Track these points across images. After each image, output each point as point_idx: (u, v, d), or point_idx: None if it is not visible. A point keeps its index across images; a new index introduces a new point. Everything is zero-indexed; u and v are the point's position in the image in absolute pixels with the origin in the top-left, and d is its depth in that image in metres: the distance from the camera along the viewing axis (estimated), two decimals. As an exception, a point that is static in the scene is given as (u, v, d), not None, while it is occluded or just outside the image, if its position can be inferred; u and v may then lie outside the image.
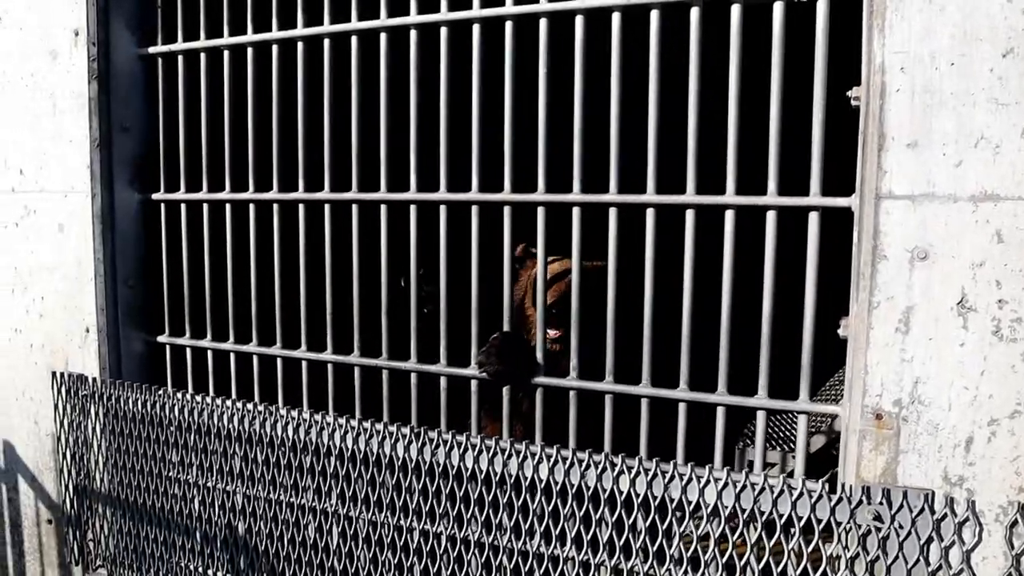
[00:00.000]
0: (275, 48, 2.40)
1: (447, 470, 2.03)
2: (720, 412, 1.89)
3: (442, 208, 2.19)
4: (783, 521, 1.65)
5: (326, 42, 2.31)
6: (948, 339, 1.56)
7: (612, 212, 1.99)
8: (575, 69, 2.00)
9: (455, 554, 2.06)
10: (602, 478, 1.84)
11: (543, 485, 1.91)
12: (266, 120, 2.44)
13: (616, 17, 1.93)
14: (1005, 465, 1.53)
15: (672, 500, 1.77)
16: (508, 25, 2.05)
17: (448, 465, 2.02)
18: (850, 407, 1.68)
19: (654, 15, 1.89)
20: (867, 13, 1.61)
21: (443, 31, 2.13)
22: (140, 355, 2.73)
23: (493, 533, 1.99)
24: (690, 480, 1.75)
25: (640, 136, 1.94)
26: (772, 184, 1.80)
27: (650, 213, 1.94)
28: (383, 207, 2.28)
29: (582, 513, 1.87)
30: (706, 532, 1.75)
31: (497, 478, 1.96)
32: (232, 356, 2.57)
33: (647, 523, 1.81)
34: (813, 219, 1.76)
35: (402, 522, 2.11)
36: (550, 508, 1.91)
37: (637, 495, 1.81)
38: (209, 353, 2.61)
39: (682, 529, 1.80)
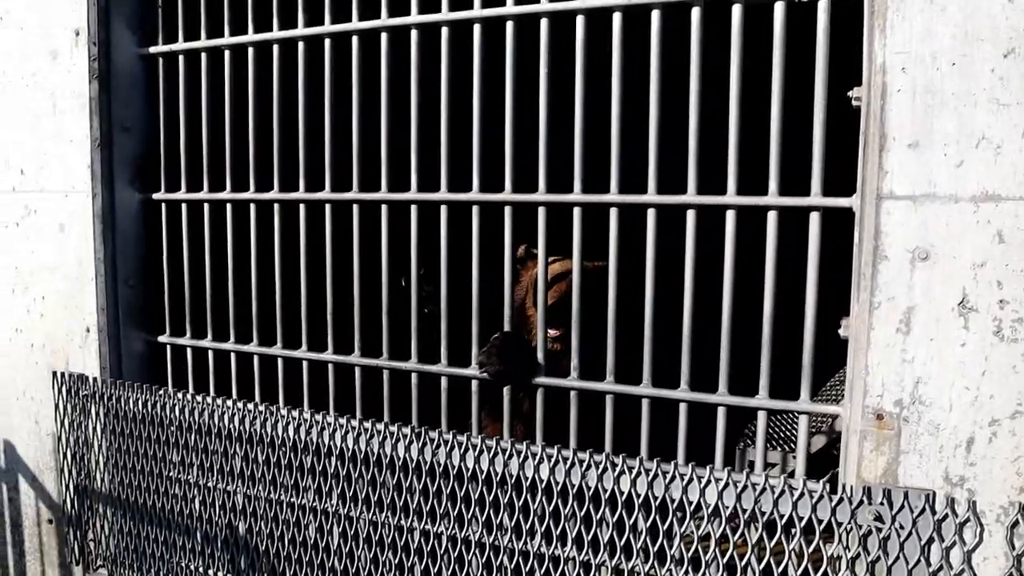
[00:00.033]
0: (276, 48, 2.40)
1: (448, 470, 2.03)
2: (721, 412, 1.89)
3: (443, 208, 2.19)
4: (784, 521, 1.65)
5: (327, 42, 2.30)
6: (949, 339, 1.56)
7: (613, 212, 1.99)
8: (576, 69, 1.99)
9: (456, 554, 2.06)
10: (603, 478, 1.84)
11: (544, 485, 1.91)
12: (267, 120, 2.44)
13: (617, 17, 1.93)
14: (1006, 465, 1.53)
15: (673, 500, 1.77)
16: (509, 25, 2.05)
17: (449, 465, 2.02)
18: (851, 407, 1.68)
19: (655, 15, 1.89)
20: (868, 13, 1.61)
21: (444, 31, 2.13)
22: (141, 355, 2.73)
23: (494, 533, 1.99)
24: (691, 480, 1.75)
25: (641, 136, 1.94)
26: (773, 184, 1.80)
27: (651, 213, 1.94)
28: (384, 207, 2.28)
29: (583, 513, 1.87)
30: (707, 532, 1.75)
31: (498, 478, 1.96)
32: (233, 356, 2.57)
33: (648, 523, 1.81)
34: (814, 219, 1.76)
35: (403, 522, 2.11)
36: (551, 508, 1.91)
37: (638, 495, 1.81)
38: (210, 353, 2.61)
39: (683, 529, 1.80)
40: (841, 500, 1.60)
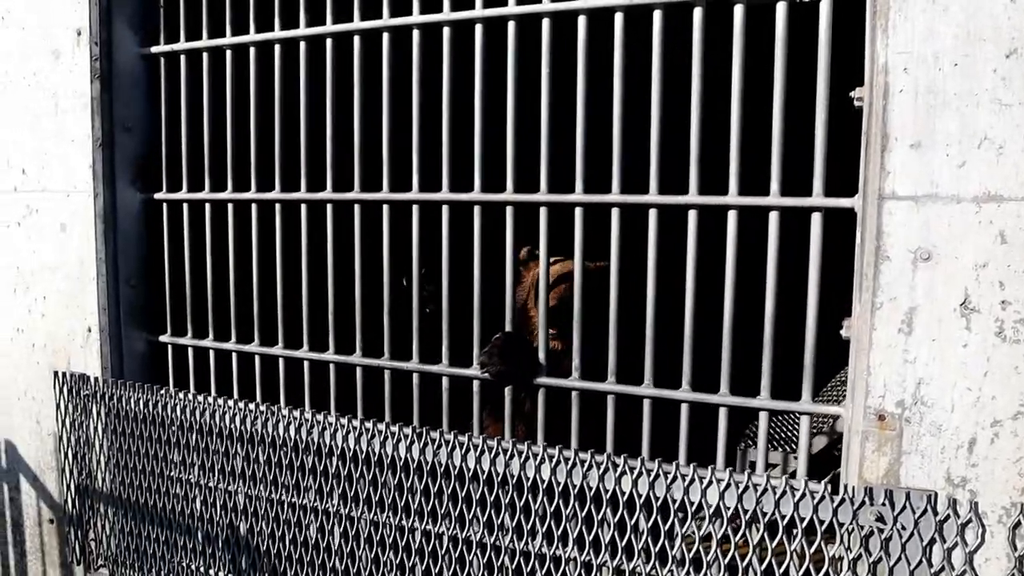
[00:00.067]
0: (278, 48, 2.40)
1: (449, 470, 2.03)
2: (722, 413, 1.89)
3: (444, 208, 2.19)
4: (786, 522, 1.65)
5: (328, 42, 2.30)
6: (951, 340, 1.56)
7: (615, 212, 1.99)
8: (578, 69, 1.99)
9: (457, 554, 2.06)
10: (604, 479, 1.84)
11: (545, 486, 1.91)
12: (268, 120, 2.44)
13: (619, 17, 1.93)
14: (1008, 466, 1.53)
15: (674, 501, 1.77)
16: (511, 25, 2.05)
17: (450, 465, 2.02)
18: (853, 408, 1.68)
19: (657, 15, 1.89)
20: (870, 13, 1.61)
21: (446, 31, 2.13)
22: (142, 355, 2.73)
23: (495, 534, 1.99)
24: (692, 481, 1.75)
25: (643, 136, 1.94)
26: (775, 185, 1.80)
27: (653, 213, 1.94)
28: (385, 207, 2.28)
29: (584, 514, 1.87)
30: (708, 533, 1.75)
31: (499, 479, 1.96)
32: (234, 356, 2.57)
33: (649, 524, 1.80)
34: (816, 220, 1.76)
35: (404, 522, 2.11)
36: (552, 509, 1.91)
37: (639, 496, 1.81)
38: (211, 353, 2.61)
39: (684, 530, 1.79)
40: (843, 501, 1.60)
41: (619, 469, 1.83)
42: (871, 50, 1.61)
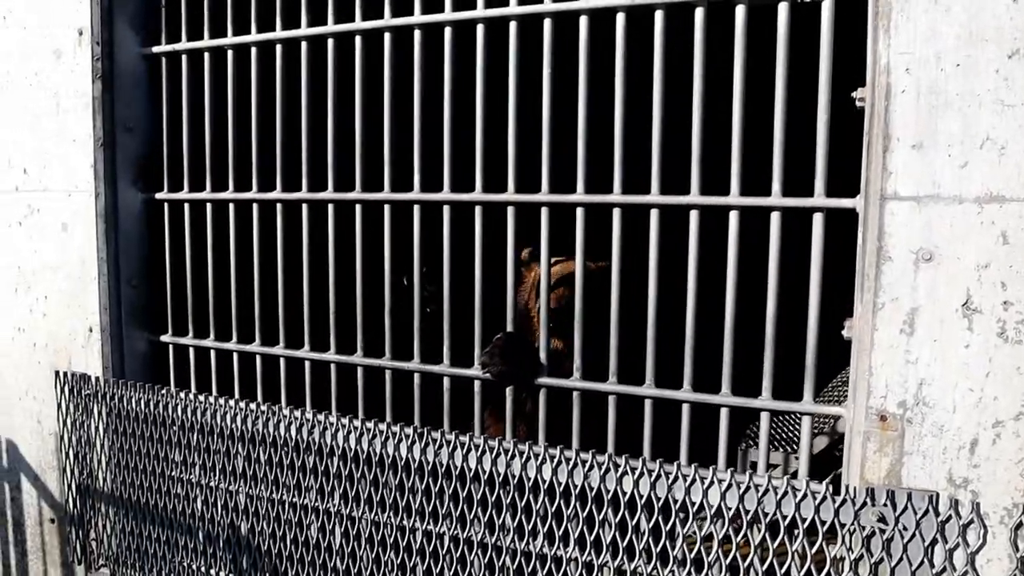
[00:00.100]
0: (279, 48, 2.40)
1: (450, 470, 2.02)
2: (724, 413, 1.89)
3: (446, 208, 2.19)
4: (787, 523, 1.65)
5: (330, 42, 2.30)
6: (953, 341, 1.56)
7: (616, 213, 1.98)
8: (579, 69, 1.99)
9: (458, 555, 2.06)
10: (605, 479, 1.84)
11: (546, 486, 1.91)
12: (270, 120, 2.44)
13: (620, 17, 1.93)
14: (1010, 467, 1.52)
15: (675, 501, 1.77)
16: (512, 25, 2.05)
17: (451, 465, 2.02)
18: (854, 409, 1.67)
19: (659, 15, 1.89)
20: (872, 14, 1.61)
21: (447, 31, 2.13)
22: (143, 354, 2.73)
23: (496, 534, 1.99)
24: (693, 481, 1.75)
25: (644, 136, 1.94)
26: (776, 185, 1.80)
27: (654, 214, 1.94)
28: (387, 207, 2.28)
29: (585, 514, 1.87)
30: (709, 533, 1.75)
31: (500, 479, 1.96)
32: (235, 356, 2.57)
33: (650, 524, 1.80)
34: (817, 220, 1.76)
35: (405, 522, 2.11)
36: (553, 509, 1.91)
37: (640, 496, 1.81)
38: (212, 353, 2.61)
39: (685, 530, 1.79)
40: (844, 501, 1.59)
41: (620, 469, 1.83)
42: (873, 50, 1.61)
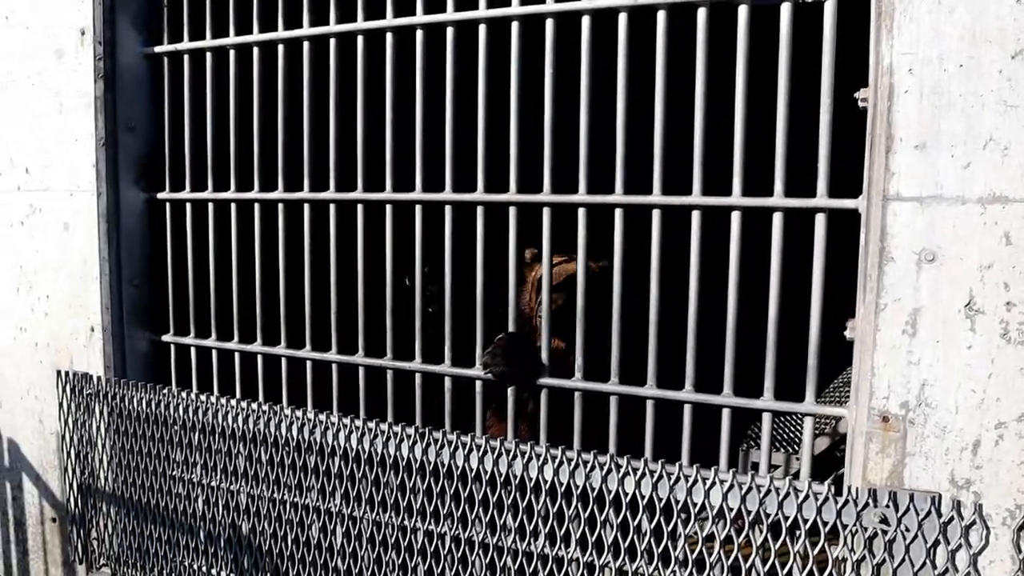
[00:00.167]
0: (281, 48, 2.40)
1: (451, 471, 2.02)
2: (725, 414, 1.89)
3: (448, 208, 2.19)
4: (789, 523, 1.65)
5: (332, 42, 2.31)
6: (955, 341, 1.56)
7: (618, 213, 1.98)
8: (581, 69, 1.99)
9: (459, 555, 2.05)
10: (607, 479, 1.84)
11: (548, 486, 1.91)
12: (271, 120, 2.44)
13: (623, 18, 1.93)
14: (1012, 468, 1.52)
15: (677, 502, 1.77)
16: (514, 25, 2.05)
17: (453, 466, 2.02)
18: (856, 409, 1.67)
19: (661, 16, 1.89)
20: (875, 14, 1.61)
21: (449, 31, 2.13)
22: (145, 354, 2.73)
23: (497, 534, 1.99)
24: (695, 482, 1.74)
25: (646, 137, 1.94)
26: (779, 185, 1.80)
27: (656, 214, 1.94)
28: (388, 207, 2.28)
29: (587, 515, 1.87)
30: (711, 534, 1.75)
31: (502, 479, 1.96)
32: (237, 355, 2.57)
33: (652, 525, 1.80)
34: (820, 221, 1.75)
35: (406, 522, 2.11)
36: (555, 509, 1.91)
37: (642, 497, 1.80)
38: (213, 352, 2.61)
39: (687, 531, 1.79)
40: (846, 502, 1.59)
41: (622, 470, 1.82)
42: (876, 51, 1.61)
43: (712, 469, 1.75)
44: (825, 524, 1.62)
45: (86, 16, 2.56)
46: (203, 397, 2.40)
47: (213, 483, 2.41)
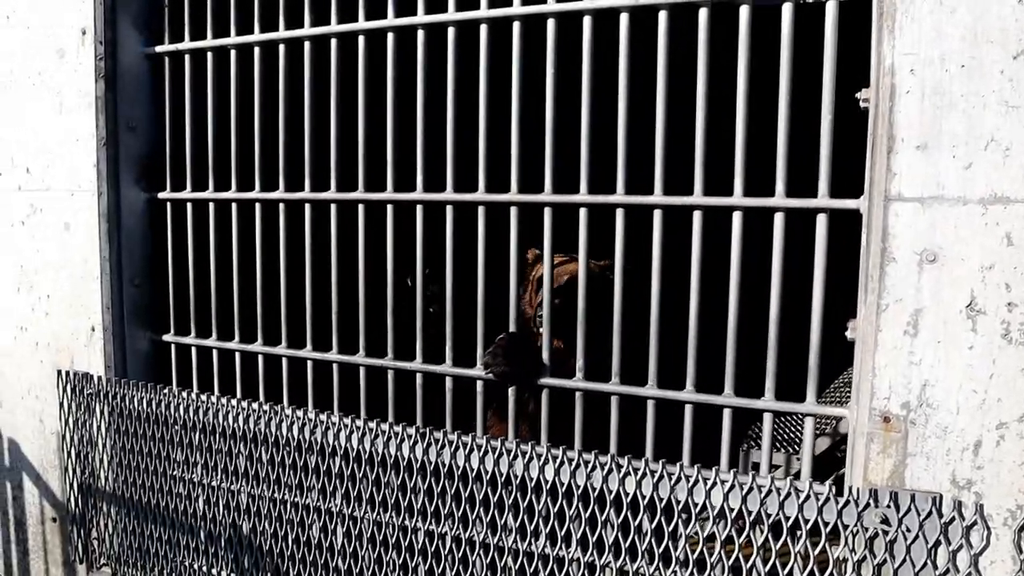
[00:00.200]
0: (282, 48, 2.40)
1: (452, 471, 2.02)
2: (726, 414, 1.89)
3: (449, 208, 2.19)
4: (790, 524, 1.65)
5: (333, 42, 2.31)
6: (957, 342, 1.56)
7: (619, 213, 1.98)
8: (583, 69, 1.99)
9: (460, 555, 2.05)
10: (608, 480, 1.84)
11: (548, 486, 1.91)
12: (272, 120, 2.44)
13: (624, 18, 1.93)
14: (1014, 469, 1.52)
15: (678, 502, 1.77)
16: (516, 25, 2.05)
17: (453, 466, 2.02)
18: (858, 410, 1.67)
19: (662, 16, 1.89)
20: (877, 15, 1.61)
21: (451, 31, 2.13)
22: (145, 354, 2.73)
23: (498, 534, 1.99)
24: (696, 482, 1.74)
25: (647, 137, 1.94)
26: (780, 186, 1.80)
27: (657, 214, 1.94)
28: (389, 207, 2.28)
29: (588, 515, 1.87)
30: (712, 534, 1.75)
31: (503, 479, 1.96)
32: (237, 355, 2.57)
33: (653, 525, 1.80)
34: (821, 221, 1.75)
35: (407, 522, 2.11)
36: (555, 509, 1.91)
37: (643, 497, 1.80)
38: (214, 352, 2.61)
39: (688, 531, 1.79)
40: (847, 502, 1.59)
41: (623, 470, 1.82)
42: (877, 51, 1.61)
43: (713, 469, 1.75)
44: (826, 524, 1.62)
45: (87, 16, 2.56)
46: (204, 397, 2.40)
47: (214, 483, 2.41)
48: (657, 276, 1.95)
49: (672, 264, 1.97)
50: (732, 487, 1.70)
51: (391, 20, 2.20)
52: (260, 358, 2.53)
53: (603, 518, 1.85)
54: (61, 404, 2.69)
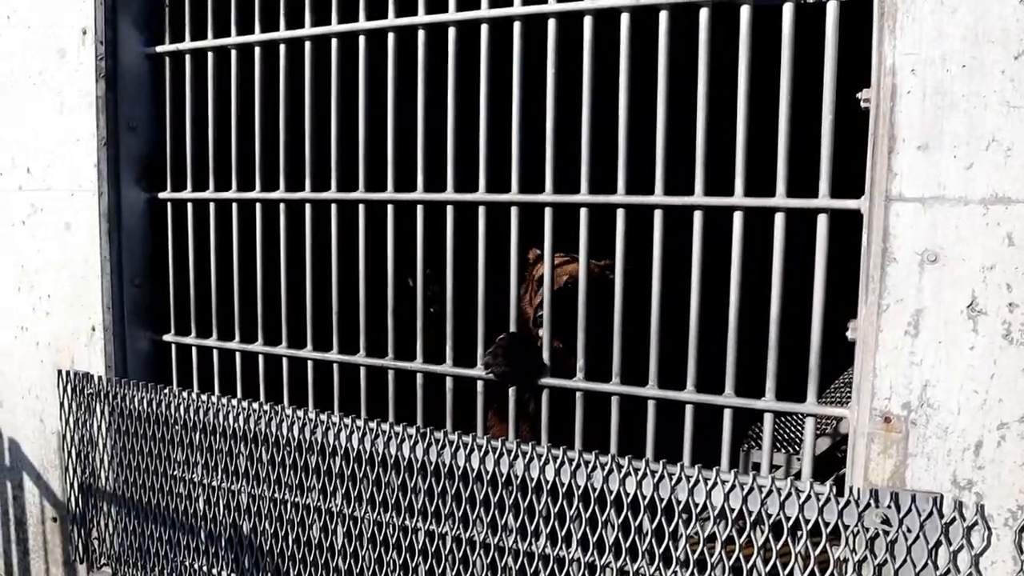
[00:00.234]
0: (282, 48, 2.40)
1: (453, 471, 2.02)
2: (727, 414, 1.89)
3: (449, 208, 2.19)
4: (790, 524, 1.65)
5: (334, 42, 2.31)
6: (958, 342, 1.56)
7: (620, 213, 1.98)
8: (584, 69, 1.99)
9: (460, 555, 2.05)
10: (608, 480, 1.84)
11: (549, 486, 1.91)
12: (273, 120, 2.44)
13: (625, 18, 1.93)
14: (1015, 469, 1.52)
15: (679, 502, 1.76)
16: (516, 25, 2.05)
17: (454, 466, 2.02)
18: (858, 410, 1.67)
19: (663, 16, 1.89)
20: (878, 15, 1.60)
21: (451, 31, 2.13)
22: (146, 354, 2.73)
23: (499, 534, 1.99)
24: (697, 482, 1.74)
25: (648, 137, 1.94)
26: (781, 186, 1.80)
27: (658, 214, 1.93)
28: (390, 207, 2.28)
29: (588, 515, 1.87)
30: (712, 534, 1.74)
31: (503, 479, 1.96)
32: (238, 355, 2.57)
33: (653, 525, 1.80)
34: (822, 221, 1.75)
35: (407, 522, 2.11)
36: (556, 510, 1.91)
37: (643, 497, 1.80)
38: (215, 352, 2.61)
39: (688, 531, 1.79)
40: (848, 503, 1.59)
41: (623, 470, 1.82)
42: (878, 51, 1.60)
43: (714, 470, 1.74)
44: (827, 525, 1.61)
45: (87, 16, 2.56)
46: (204, 397, 2.40)
47: (214, 483, 2.41)
48: (658, 276, 1.95)
49: (673, 264, 1.97)
50: (733, 487, 1.70)
51: (392, 20, 2.20)
52: (261, 358, 2.53)
53: (603, 518, 1.85)
54: (61, 404, 2.69)
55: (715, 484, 1.72)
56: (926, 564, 1.53)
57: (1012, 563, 1.51)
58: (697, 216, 1.89)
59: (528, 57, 2.06)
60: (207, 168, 2.58)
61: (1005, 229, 1.51)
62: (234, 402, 2.34)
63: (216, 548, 2.45)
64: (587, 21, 1.97)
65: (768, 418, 1.87)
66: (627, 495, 1.82)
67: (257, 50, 2.45)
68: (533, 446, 1.94)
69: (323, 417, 2.20)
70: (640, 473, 1.80)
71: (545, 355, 2.12)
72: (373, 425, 2.12)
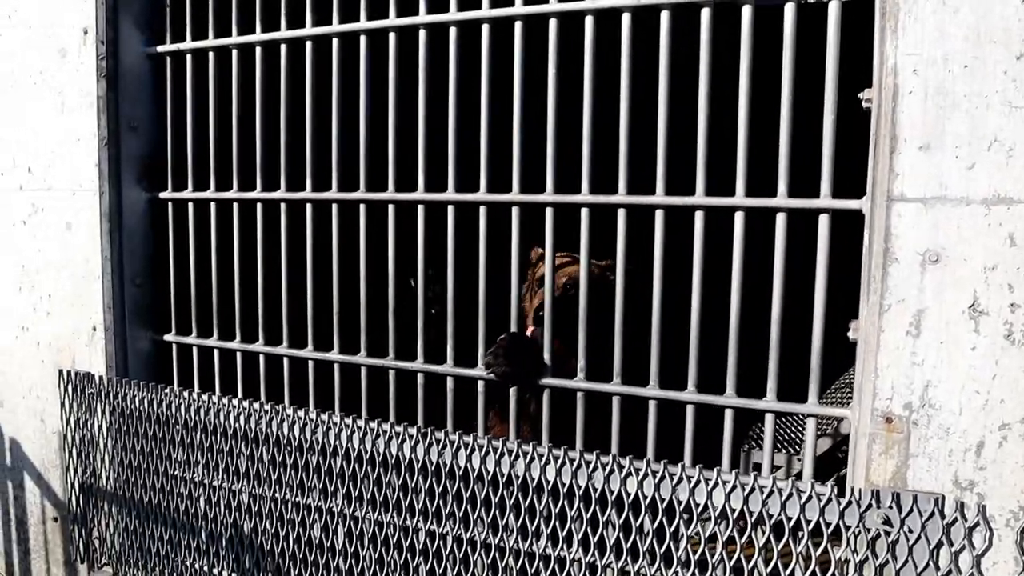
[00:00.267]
0: (283, 48, 2.40)
1: (454, 471, 2.02)
2: (728, 415, 1.89)
3: (450, 208, 2.19)
4: (792, 524, 1.64)
5: (335, 42, 2.31)
6: (959, 343, 1.56)
7: (621, 213, 1.98)
8: (585, 69, 1.99)
9: (461, 555, 2.05)
10: (609, 480, 1.84)
11: (550, 486, 1.91)
12: (274, 119, 2.44)
13: (626, 18, 1.93)
14: (1016, 470, 1.52)
15: (680, 502, 1.76)
16: (518, 25, 2.05)
17: (455, 466, 2.02)
18: (860, 410, 1.67)
19: (664, 16, 1.89)
20: (879, 15, 1.60)
21: (452, 31, 2.13)
22: (147, 354, 2.73)
23: (500, 534, 1.99)
24: (698, 483, 1.74)
25: (649, 137, 1.93)
26: (782, 186, 1.80)
27: (659, 214, 1.93)
28: (391, 207, 2.27)
29: (589, 515, 1.87)
30: (713, 535, 1.74)
31: (504, 479, 1.96)
32: (239, 355, 2.57)
33: (654, 525, 1.80)
34: (823, 221, 1.75)
35: (408, 522, 2.11)
36: (557, 510, 1.91)
37: (644, 497, 1.80)
38: (215, 352, 2.61)
39: (689, 531, 1.79)
40: (849, 503, 1.59)
41: (624, 470, 1.82)
42: (880, 51, 1.60)
43: (715, 470, 1.74)
44: (828, 525, 1.61)
45: (88, 15, 2.56)
46: (205, 397, 2.40)
47: (215, 483, 2.41)
48: (659, 276, 1.95)
49: (674, 264, 1.96)
50: (734, 488, 1.70)
51: (393, 20, 2.20)
52: (261, 358, 2.53)
53: (604, 518, 1.85)
54: (62, 404, 2.69)
55: (716, 484, 1.72)
56: (927, 565, 1.53)
57: (1014, 564, 1.51)
58: (698, 216, 1.89)
59: (529, 57, 2.06)
60: (208, 168, 2.58)
61: (1007, 229, 1.51)
62: (235, 402, 2.34)
63: (217, 548, 2.45)
64: (588, 21, 1.97)
65: (769, 418, 1.87)
66: (628, 495, 1.82)
67: (258, 50, 2.45)
68: (534, 446, 1.94)
69: (324, 417, 2.20)
70: (641, 473, 1.80)
71: (546, 355, 2.12)
72: (374, 425, 2.12)
